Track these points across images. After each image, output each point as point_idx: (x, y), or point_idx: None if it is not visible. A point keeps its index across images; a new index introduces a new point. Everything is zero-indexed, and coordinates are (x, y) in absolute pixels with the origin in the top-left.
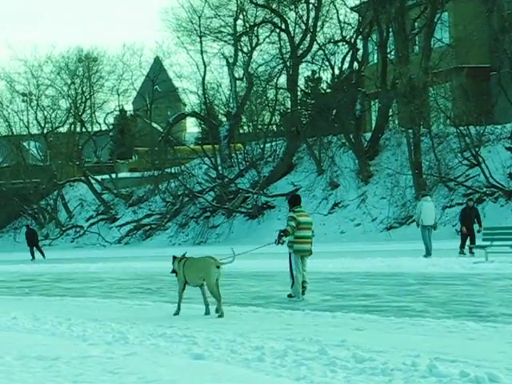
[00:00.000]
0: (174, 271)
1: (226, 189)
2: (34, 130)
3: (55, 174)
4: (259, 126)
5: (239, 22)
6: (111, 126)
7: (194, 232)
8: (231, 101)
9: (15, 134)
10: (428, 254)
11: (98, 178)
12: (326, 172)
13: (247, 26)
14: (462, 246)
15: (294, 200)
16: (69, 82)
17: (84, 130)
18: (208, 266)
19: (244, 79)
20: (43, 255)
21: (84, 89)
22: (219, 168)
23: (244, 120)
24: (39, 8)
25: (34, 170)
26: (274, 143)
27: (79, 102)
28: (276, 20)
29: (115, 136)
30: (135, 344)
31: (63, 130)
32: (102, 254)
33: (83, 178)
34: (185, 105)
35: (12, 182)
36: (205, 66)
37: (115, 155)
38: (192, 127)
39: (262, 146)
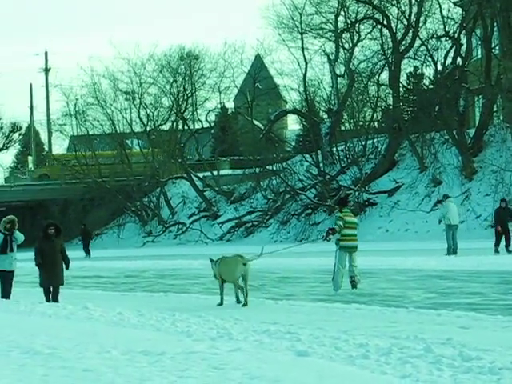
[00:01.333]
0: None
1: (327, 186)
2: (137, 128)
3: (158, 172)
4: (360, 123)
5: (340, 18)
6: (213, 124)
7: (296, 229)
8: (332, 97)
9: (119, 131)
10: (450, 252)
11: (200, 175)
12: (428, 169)
13: (348, 22)
14: (497, 245)
15: (342, 202)
16: (171, 79)
17: (186, 127)
18: (235, 263)
19: (345, 76)
20: (89, 255)
21: (186, 86)
22: (320, 165)
23: (345, 117)
24: (142, 7)
25: (137, 167)
26: (375, 140)
27: (181, 99)
28: (378, 16)
29: (217, 133)
30: (239, 340)
31: (165, 127)
32: (204, 250)
33: (185, 175)
34: (286, 102)
35: (116, 180)
36: (306, 63)
37: (217, 152)
38: (293, 124)
39: (363, 143)
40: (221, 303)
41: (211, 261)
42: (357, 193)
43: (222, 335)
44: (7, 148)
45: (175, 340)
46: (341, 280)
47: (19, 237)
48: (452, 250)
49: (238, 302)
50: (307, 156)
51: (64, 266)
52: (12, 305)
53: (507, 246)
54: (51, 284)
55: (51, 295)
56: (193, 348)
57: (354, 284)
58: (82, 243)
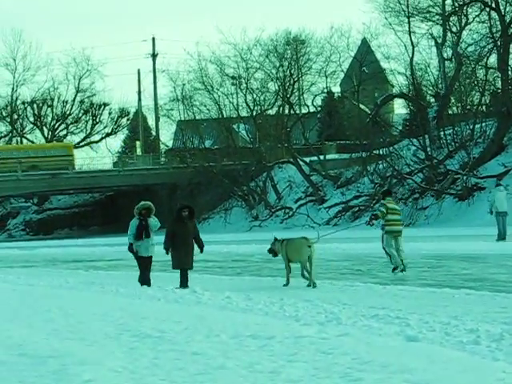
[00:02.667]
0: (272, 251)
1: (434, 170)
2: (244, 113)
3: (264, 156)
4: (468, 107)
5: (448, 1)
6: (319, 108)
7: (403, 213)
8: (440, 81)
9: (225, 116)
10: (500, 238)
11: (307, 159)
12: None
13: (456, 5)
14: None
15: (385, 192)
16: (277, 64)
17: (292, 112)
18: (301, 245)
19: (453, 59)
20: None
21: (292, 71)
22: (428, 149)
23: (453, 101)
24: None
25: (243, 151)
26: (483, 124)
27: (287, 84)
28: None
29: (323, 118)
30: (348, 325)
31: (272, 112)
32: (311, 234)
33: (292, 159)
34: (392, 86)
35: (222, 164)
36: (413, 47)
37: (323, 137)
38: (400, 108)
39: (471, 127)
40: (286, 284)
41: (276, 240)
42: (465, 177)
43: (330, 320)
44: (115, 133)
45: (284, 324)
46: (398, 258)
47: (154, 224)
48: (503, 236)
49: (308, 285)
50: (414, 140)
51: (198, 249)
52: (122, 288)
53: None
54: (182, 266)
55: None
56: (301, 332)
57: (404, 268)
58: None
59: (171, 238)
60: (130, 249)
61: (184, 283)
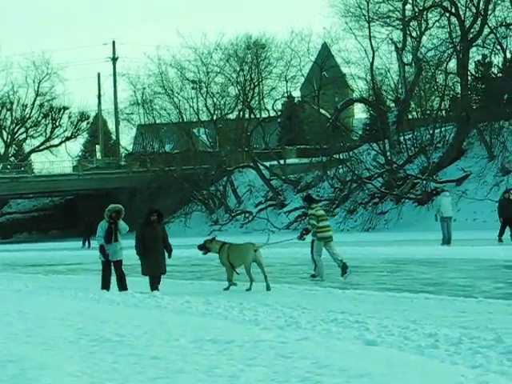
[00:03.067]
0: (204, 247)
1: (394, 175)
2: (204, 117)
3: (224, 160)
4: (428, 112)
5: (408, 6)
6: (279, 113)
7: (363, 218)
8: (400, 86)
9: (186, 120)
10: (445, 242)
11: (267, 164)
12: (497, 158)
13: (416, 10)
14: (500, 235)
15: (310, 199)
16: (238, 68)
17: (252, 116)
18: (247, 250)
19: (413, 64)
20: (88, 244)
21: (252, 75)
22: (388, 154)
23: (413, 105)
24: None
25: (203, 156)
26: (443, 129)
27: (248, 88)
28: (446, 3)
29: (283, 122)
30: (307, 329)
31: (232, 116)
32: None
33: (252, 164)
34: (353, 91)
35: (182, 168)
36: (373, 52)
37: (283, 141)
38: (360, 113)
39: (431, 132)
40: (227, 288)
41: (214, 239)
42: (424, 182)
43: (289, 324)
44: (75, 137)
45: (243, 328)
46: (323, 268)
47: (123, 227)
48: (447, 240)
49: (248, 289)
50: (374, 145)
51: (166, 253)
52: (81, 292)
53: None
54: (154, 273)
55: (154, 284)
56: (261, 336)
57: (345, 265)
58: (84, 234)
59: (142, 243)
60: (102, 251)
61: (153, 287)
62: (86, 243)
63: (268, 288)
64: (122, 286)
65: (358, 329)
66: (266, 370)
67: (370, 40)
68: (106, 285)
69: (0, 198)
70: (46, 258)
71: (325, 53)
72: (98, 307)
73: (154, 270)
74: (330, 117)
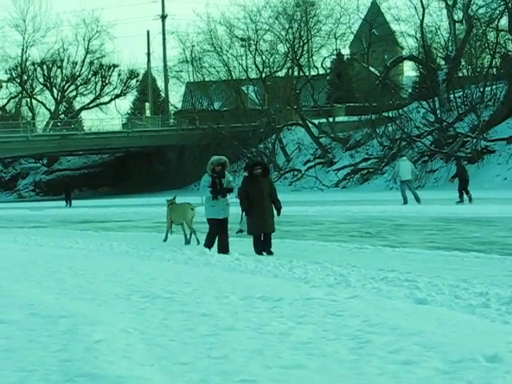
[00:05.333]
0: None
1: (444, 133)
2: (253, 75)
3: (273, 118)
4: (479, 69)
5: None
6: (328, 70)
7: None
8: (450, 44)
9: (234, 78)
10: (405, 202)
11: (316, 121)
12: None
13: None
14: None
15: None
16: (287, 26)
17: (301, 74)
18: (185, 209)
19: (463, 21)
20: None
21: (302, 33)
22: (437, 112)
23: (463, 63)
24: None
25: (252, 113)
26: (494, 86)
27: (297, 46)
28: None
29: (332, 80)
30: (357, 287)
31: (281, 74)
32: (320, 197)
33: (301, 121)
34: (402, 48)
35: (231, 126)
36: (423, 9)
37: (332, 99)
38: (410, 71)
39: (481, 90)
40: (165, 239)
41: (167, 201)
42: (474, 140)
43: (339, 282)
44: (125, 94)
45: (293, 286)
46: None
47: (229, 181)
48: (406, 201)
49: (187, 243)
50: (424, 103)
51: (275, 210)
52: (132, 249)
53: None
54: (261, 231)
55: (263, 244)
56: (310, 294)
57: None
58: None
59: (245, 197)
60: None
61: (259, 249)
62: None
63: (198, 242)
64: (224, 248)
65: (408, 287)
66: (316, 327)
67: None
68: (209, 244)
69: (51, 155)
70: (96, 214)
71: (374, 10)
72: (148, 264)
73: (261, 228)
74: (379, 74)
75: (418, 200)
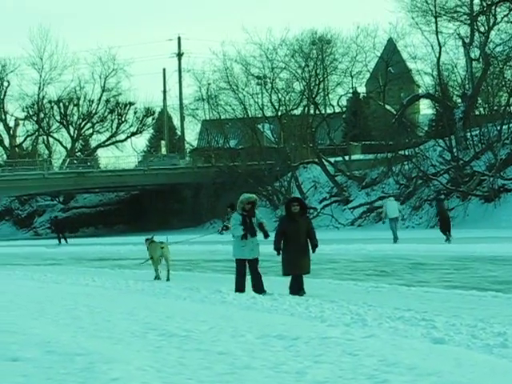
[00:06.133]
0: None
1: (461, 171)
2: (269, 113)
3: (289, 156)
4: (495, 108)
5: (476, 1)
6: (344, 108)
7: (428, 215)
8: (467, 82)
9: (250, 116)
10: (395, 240)
11: (332, 159)
12: None
13: (484, 4)
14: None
15: (231, 206)
16: (303, 64)
17: (317, 112)
18: (155, 247)
19: (480, 60)
20: (66, 241)
21: (318, 71)
22: (454, 150)
23: (480, 101)
24: None
25: (268, 151)
26: (511, 125)
27: (313, 84)
28: None
29: (348, 118)
30: (373, 326)
31: (297, 112)
32: (336, 235)
33: (316, 159)
34: (418, 86)
35: (247, 164)
36: (440, 47)
37: (348, 137)
38: (426, 109)
39: (498, 128)
40: (156, 278)
41: (146, 240)
42: (491, 178)
43: (355, 321)
44: (141, 132)
45: (309, 325)
46: None
47: (262, 218)
48: (394, 239)
49: (160, 277)
50: (440, 141)
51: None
52: (148, 287)
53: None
54: (296, 271)
55: (299, 283)
56: (327, 333)
57: None
58: (57, 234)
59: (281, 237)
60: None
61: (295, 289)
62: (63, 241)
63: (168, 278)
64: (258, 288)
65: (425, 327)
66: (332, 367)
67: (437, 35)
68: (240, 286)
69: (67, 193)
70: (112, 252)
71: (391, 48)
72: (164, 302)
73: (296, 269)
74: (395, 113)
75: (395, 239)
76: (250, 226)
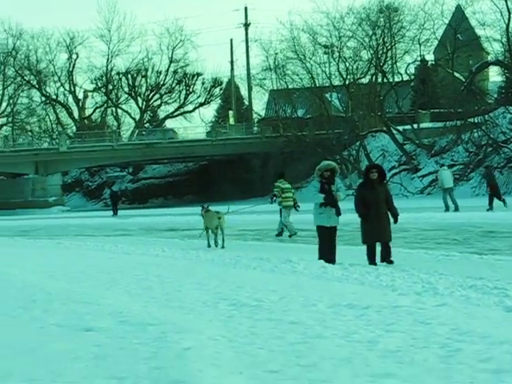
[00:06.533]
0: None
1: None
2: (336, 82)
3: (357, 125)
4: None
5: None
6: (412, 76)
7: (499, 182)
8: None
9: (318, 85)
10: (447, 210)
11: (400, 128)
12: None
13: None
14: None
15: (279, 175)
16: (370, 32)
17: (385, 80)
18: (212, 216)
19: None
20: (116, 213)
21: (385, 39)
22: None
23: None
24: None
25: (336, 120)
26: None
27: (380, 52)
28: None
29: (416, 86)
30: (445, 295)
31: (364, 80)
32: (405, 204)
33: (385, 128)
34: (487, 53)
35: (315, 133)
36: (509, 13)
37: (417, 105)
38: (495, 76)
39: None
40: (208, 245)
41: (202, 208)
42: None
43: (427, 290)
44: (209, 103)
45: (380, 294)
46: (293, 227)
47: (341, 189)
48: (454, 208)
49: (211, 245)
50: (510, 108)
51: (392, 218)
52: (218, 257)
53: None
54: (377, 239)
55: (382, 253)
56: (398, 302)
57: (291, 234)
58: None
59: (362, 203)
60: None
61: (385, 258)
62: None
63: (223, 246)
64: (329, 258)
65: (498, 295)
66: (404, 335)
67: (506, 1)
68: (324, 253)
69: (136, 164)
70: (182, 222)
71: (459, 15)
72: (234, 272)
73: (377, 237)
74: (464, 80)
75: (457, 208)
76: (329, 194)
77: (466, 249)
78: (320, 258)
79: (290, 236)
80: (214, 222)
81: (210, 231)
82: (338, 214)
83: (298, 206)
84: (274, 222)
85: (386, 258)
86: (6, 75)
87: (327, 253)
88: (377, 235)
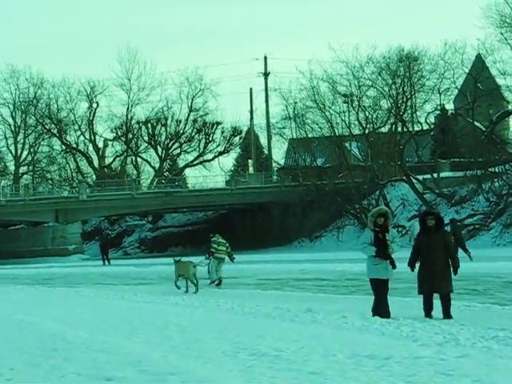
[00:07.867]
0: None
1: None
2: (356, 131)
3: (377, 174)
4: None
5: None
6: (432, 125)
7: None
8: None
9: (337, 134)
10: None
11: (420, 177)
12: None
13: None
14: None
15: (213, 232)
16: (390, 82)
17: (405, 129)
18: (187, 265)
19: None
20: (109, 262)
21: (405, 88)
22: None
23: None
24: (361, 9)
25: (355, 169)
26: None
27: (400, 101)
28: None
29: (436, 135)
30: (466, 346)
31: (384, 130)
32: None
33: (405, 177)
34: (508, 102)
35: (335, 182)
36: None
37: (437, 154)
38: None
39: None
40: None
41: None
42: None
43: (448, 340)
44: (228, 152)
45: (401, 344)
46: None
47: (394, 235)
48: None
49: (186, 291)
50: None
51: (452, 268)
52: (238, 306)
53: None
54: (430, 290)
55: (442, 307)
56: (419, 353)
57: (219, 282)
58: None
59: (417, 253)
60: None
61: (444, 312)
62: (106, 261)
63: (196, 291)
64: (383, 312)
65: None
66: None
67: None
68: (380, 308)
69: (155, 213)
70: (201, 270)
71: (479, 64)
72: (253, 321)
73: (430, 288)
74: (484, 129)
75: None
76: (384, 244)
77: (487, 299)
78: (374, 315)
79: (210, 283)
80: (191, 270)
81: (182, 278)
82: (393, 266)
83: (234, 258)
84: (294, 271)
85: (444, 312)
86: (27, 124)
87: (382, 308)
88: (432, 285)
